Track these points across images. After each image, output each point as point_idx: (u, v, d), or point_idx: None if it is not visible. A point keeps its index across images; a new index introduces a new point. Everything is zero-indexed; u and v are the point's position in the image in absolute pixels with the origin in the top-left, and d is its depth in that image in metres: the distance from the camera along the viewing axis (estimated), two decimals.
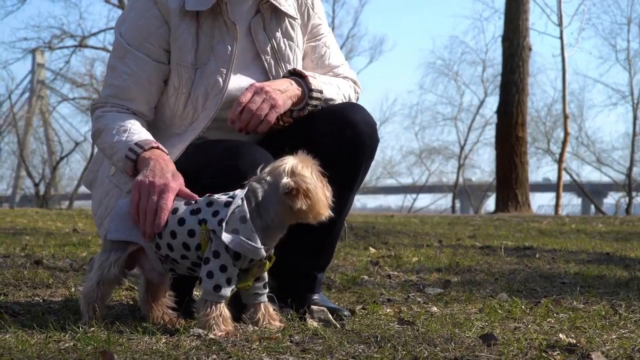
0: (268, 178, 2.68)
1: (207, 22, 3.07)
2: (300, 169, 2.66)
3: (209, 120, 3.05)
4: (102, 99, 3.12)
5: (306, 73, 3.10)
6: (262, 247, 2.65)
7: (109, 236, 2.79)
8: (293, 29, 3.23)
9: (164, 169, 2.79)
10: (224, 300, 2.65)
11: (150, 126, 3.11)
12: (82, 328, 2.62)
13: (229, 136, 3.07)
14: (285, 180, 2.63)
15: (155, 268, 2.80)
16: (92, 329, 2.61)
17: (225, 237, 2.61)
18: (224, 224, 2.61)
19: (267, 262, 2.75)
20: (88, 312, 2.75)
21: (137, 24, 3.07)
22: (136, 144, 2.89)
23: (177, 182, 2.78)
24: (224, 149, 2.93)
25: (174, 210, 2.73)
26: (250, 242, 2.62)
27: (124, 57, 3.07)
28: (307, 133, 3.07)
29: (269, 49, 3.17)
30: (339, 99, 3.20)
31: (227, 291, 2.65)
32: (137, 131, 2.97)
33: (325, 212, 2.70)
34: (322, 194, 2.68)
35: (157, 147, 2.90)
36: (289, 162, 2.68)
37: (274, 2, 3.14)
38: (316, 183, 2.67)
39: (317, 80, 3.10)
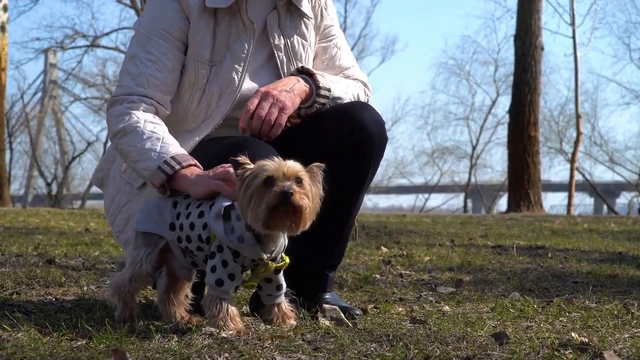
0: None
1: (224, 19, 3.08)
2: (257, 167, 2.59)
3: (222, 117, 3.05)
4: (123, 91, 3.03)
5: (314, 71, 3.10)
6: (256, 246, 2.64)
7: (135, 227, 2.83)
8: (307, 28, 3.23)
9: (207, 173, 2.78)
10: (228, 296, 2.66)
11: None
12: (118, 318, 2.74)
13: (236, 134, 3.06)
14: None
15: (179, 261, 2.82)
16: (126, 323, 2.67)
17: (217, 227, 2.62)
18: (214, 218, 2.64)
19: (271, 263, 2.73)
20: (122, 307, 2.79)
21: (158, 16, 3.07)
22: (173, 157, 2.83)
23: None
24: (229, 144, 2.92)
25: (199, 205, 2.74)
26: (234, 241, 2.62)
27: (146, 45, 3.05)
28: (315, 132, 3.07)
29: (282, 45, 3.17)
30: (347, 98, 3.19)
31: (230, 286, 2.65)
32: (171, 142, 2.90)
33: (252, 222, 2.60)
34: (254, 205, 2.55)
35: (195, 165, 2.85)
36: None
37: None
38: (248, 187, 2.57)
39: (325, 79, 3.10)
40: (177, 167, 2.81)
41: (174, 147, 2.88)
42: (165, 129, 2.97)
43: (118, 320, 2.76)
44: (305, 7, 3.22)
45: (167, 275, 2.89)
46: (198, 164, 2.86)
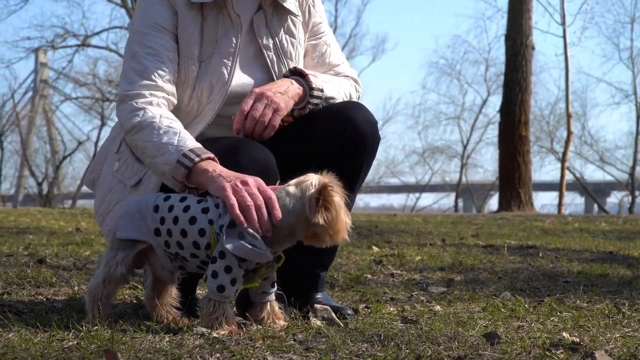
0: (291, 189, 2.66)
1: (211, 14, 3.07)
2: (331, 185, 2.63)
3: (214, 113, 3.04)
4: (131, 87, 2.98)
5: (307, 72, 3.09)
6: (267, 250, 2.64)
7: (118, 235, 2.78)
8: (295, 26, 3.23)
9: (234, 173, 2.73)
10: (227, 300, 2.65)
11: None
12: (85, 327, 2.62)
13: (229, 133, 3.06)
14: (313, 191, 2.62)
15: (165, 266, 2.79)
16: (96, 327, 2.61)
17: (227, 242, 2.60)
18: (224, 230, 2.61)
19: (275, 264, 2.75)
20: (92, 311, 2.75)
21: (149, 12, 3.06)
22: (191, 150, 2.80)
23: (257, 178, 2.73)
24: (224, 147, 2.92)
25: (186, 208, 2.71)
26: (251, 247, 2.60)
27: (143, 40, 3.03)
28: (308, 132, 3.07)
29: (271, 45, 3.17)
30: (339, 97, 3.19)
31: (231, 291, 2.65)
32: (187, 136, 2.87)
33: (344, 235, 2.67)
34: (344, 214, 2.65)
35: (214, 159, 2.80)
36: (317, 177, 2.65)
37: None
38: (341, 202, 2.65)
39: (317, 79, 3.10)
40: (197, 159, 2.77)
41: (191, 141, 2.85)
42: (181, 124, 2.93)
43: (86, 325, 2.67)
44: (292, 5, 3.22)
45: (152, 274, 2.87)
46: (215, 157, 2.81)
